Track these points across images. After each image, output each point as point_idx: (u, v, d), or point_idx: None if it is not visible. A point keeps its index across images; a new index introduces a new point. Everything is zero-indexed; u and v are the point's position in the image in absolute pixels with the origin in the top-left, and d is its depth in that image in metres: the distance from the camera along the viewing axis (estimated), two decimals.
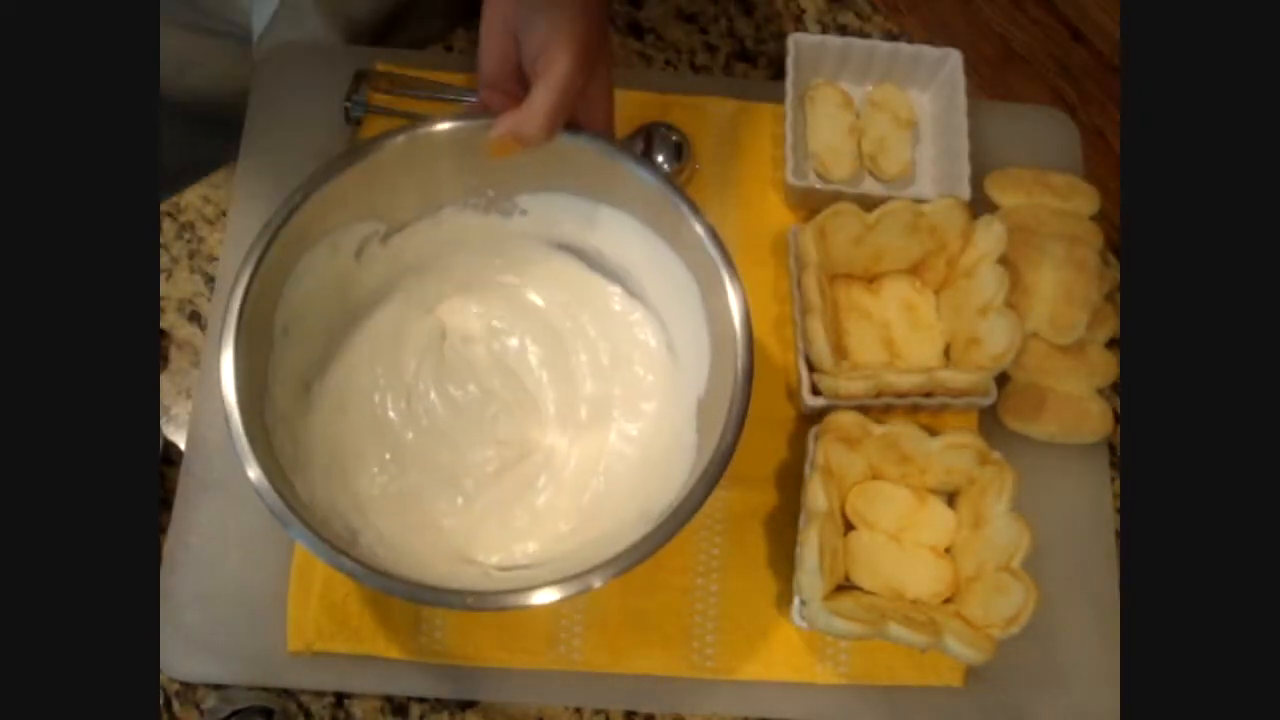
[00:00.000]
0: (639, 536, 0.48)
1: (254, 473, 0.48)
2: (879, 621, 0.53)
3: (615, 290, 0.62)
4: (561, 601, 0.47)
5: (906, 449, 0.59)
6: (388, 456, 0.58)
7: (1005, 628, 0.54)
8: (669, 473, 0.54)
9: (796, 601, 0.56)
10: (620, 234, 0.59)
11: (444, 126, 0.55)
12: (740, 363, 0.51)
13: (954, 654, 0.53)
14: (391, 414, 0.59)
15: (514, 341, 0.61)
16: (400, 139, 0.55)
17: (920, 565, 0.58)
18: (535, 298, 0.62)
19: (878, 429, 0.58)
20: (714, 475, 0.49)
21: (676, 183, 0.55)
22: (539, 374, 0.61)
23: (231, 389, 0.49)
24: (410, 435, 0.58)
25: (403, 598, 0.51)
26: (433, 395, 0.59)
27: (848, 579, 0.58)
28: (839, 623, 0.53)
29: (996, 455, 0.58)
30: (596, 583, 0.47)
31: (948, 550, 0.59)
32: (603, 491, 0.58)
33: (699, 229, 0.54)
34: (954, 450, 0.58)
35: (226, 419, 0.49)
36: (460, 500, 0.57)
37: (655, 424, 0.59)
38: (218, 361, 0.50)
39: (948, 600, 0.58)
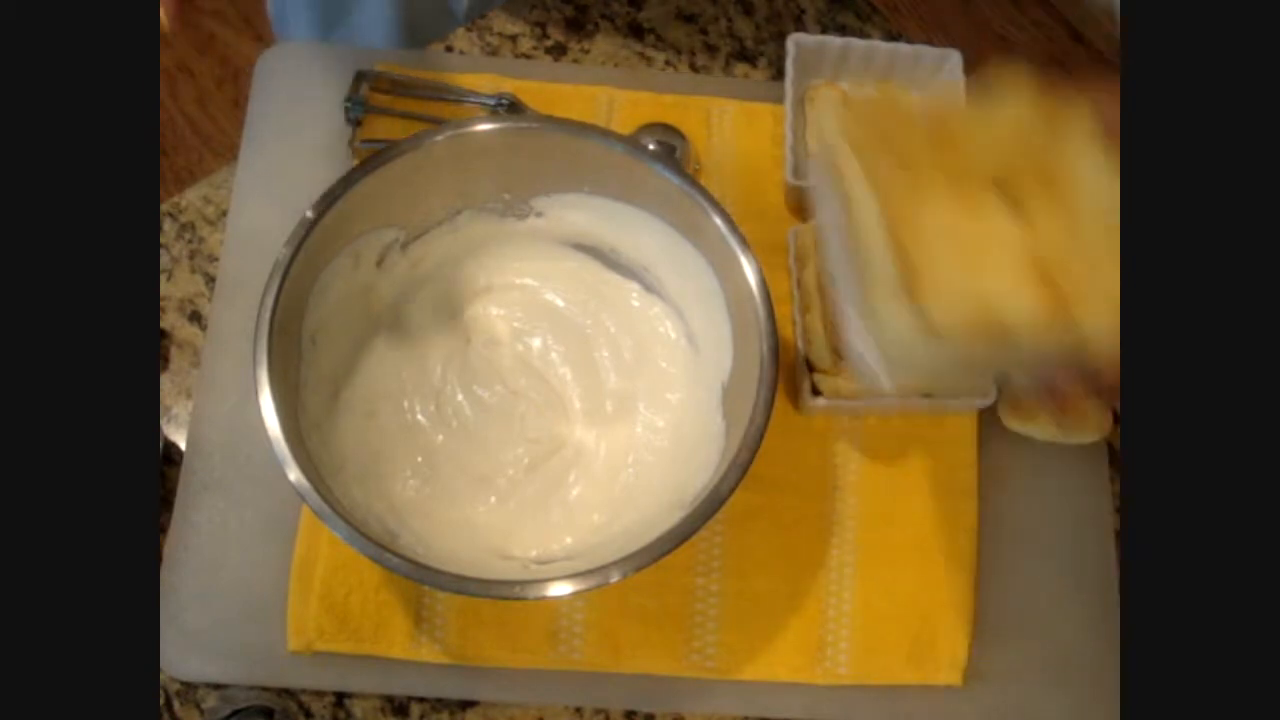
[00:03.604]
0: (674, 523, 0.49)
1: (294, 475, 0.49)
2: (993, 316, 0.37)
3: (633, 286, 0.63)
4: (601, 588, 0.48)
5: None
6: (420, 460, 0.58)
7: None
8: (699, 460, 0.55)
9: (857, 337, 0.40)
10: (637, 231, 0.60)
11: (457, 133, 0.55)
12: (765, 344, 0.52)
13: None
14: (421, 418, 0.59)
15: (536, 341, 0.62)
16: (416, 147, 0.55)
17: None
18: (555, 298, 0.63)
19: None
20: (745, 459, 0.50)
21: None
22: (563, 372, 0.62)
23: (269, 398, 0.50)
24: (440, 438, 0.59)
25: (449, 591, 0.51)
26: (460, 397, 0.60)
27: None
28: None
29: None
30: (628, 571, 0.48)
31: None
32: (633, 483, 0.59)
33: (717, 220, 0.54)
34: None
35: (264, 426, 0.49)
36: (494, 499, 0.58)
37: (681, 414, 0.60)
38: (254, 374, 0.50)
39: None
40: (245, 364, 0.51)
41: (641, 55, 0.74)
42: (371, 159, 0.55)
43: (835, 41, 0.69)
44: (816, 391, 0.61)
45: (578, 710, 0.58)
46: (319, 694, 0.58)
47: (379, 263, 0.59)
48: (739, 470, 0.50)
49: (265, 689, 0.57)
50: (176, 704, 0.57)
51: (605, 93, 0.70)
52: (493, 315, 0.63)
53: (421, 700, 0.58)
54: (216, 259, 0.66)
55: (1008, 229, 0.41)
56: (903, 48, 0.70)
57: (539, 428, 0.60)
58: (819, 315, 0.60)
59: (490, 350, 0.62)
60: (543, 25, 0.74)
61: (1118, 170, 0.40)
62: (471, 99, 0.68)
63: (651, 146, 0.67)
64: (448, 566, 0.49)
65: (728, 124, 0.70)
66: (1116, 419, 0.64)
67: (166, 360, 0.64)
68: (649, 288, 0.62)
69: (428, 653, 0.57)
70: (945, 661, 0.58)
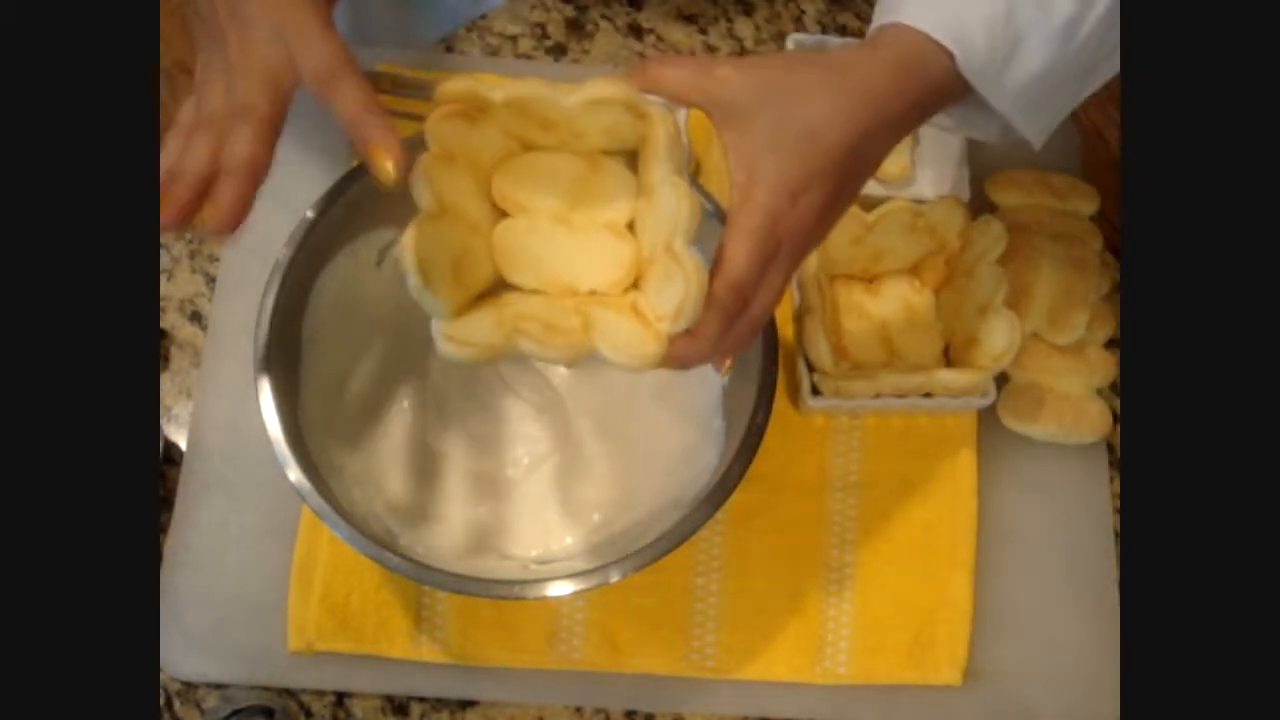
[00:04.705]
0: (674, 523, 0.49)
1: (294, 475, 0.49)
2: (510, 337, 0.42)
3: None
4: (601, 588, 0.48)
5: (544, 113, 0.45)
6: (420, 460, 0.58)
7: (674, 320, 0.41)
8: (699, 461, 0.55)
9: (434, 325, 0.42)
10: None
11: None
12: (765, 344, 0.52)
13: (612, 362, 0.42)
14: (420, 418, 0.59)
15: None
16: (415, 147, 0.55)
17: (595, 248, 0.45)
18: None
19: (498, 92, 0.45)
20: (746, 459, 0.50)
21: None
22: (563, 372, 0.62)
23: (269, 398, 0.50)
24: (440, 439, 0.59)
25: (449, 591, 0.52)
26: (460, 398, 0.60)
27: (506, 282, 0.45)
28: (455, 349, 0.41)
29: (652, 103, 0.43)
30: (628, 571, 0.48)
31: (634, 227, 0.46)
32: (633, 484, 0.59)
33: (717, 221, 0.54)
34: (597, 108, 0.44)
35: (264, 426, 0.50)
36: (494, 499, 0.58)
37: (682, 415, 0.60)
38: (254, 374, 0.50)
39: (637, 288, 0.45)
40: (245, 364, 0.51)
41: (641, 56, 0.74)
42: None
43: (835, 42, 0.69)
44: (816, 391, 0.61)
45: (578, 710, 0.58)
46: (319, 694, 0.58)
47: (378, 263, 0.59)
48: (739, 470, 0.50)
49: (265, 689, 0.57)
50: (177, 704, 0.57)
51: None
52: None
53: (421, 700, 0.58)
54: (216, 259, 0.66)
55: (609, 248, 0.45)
56: None
57: (538, 429, 0.60)
58: (819, 315, 0.60)
59: None
60: (543, 26, 0.74)
61: (685, 188, 0.42)
62: None
63: None
64: (448, 566, 0.49)
65: None
66: (1116, 419, 0.64)
67: (166, 360, 0.64)
68: None
69: (428, 653, 0.57)
70: (945, 661, 0.58)
